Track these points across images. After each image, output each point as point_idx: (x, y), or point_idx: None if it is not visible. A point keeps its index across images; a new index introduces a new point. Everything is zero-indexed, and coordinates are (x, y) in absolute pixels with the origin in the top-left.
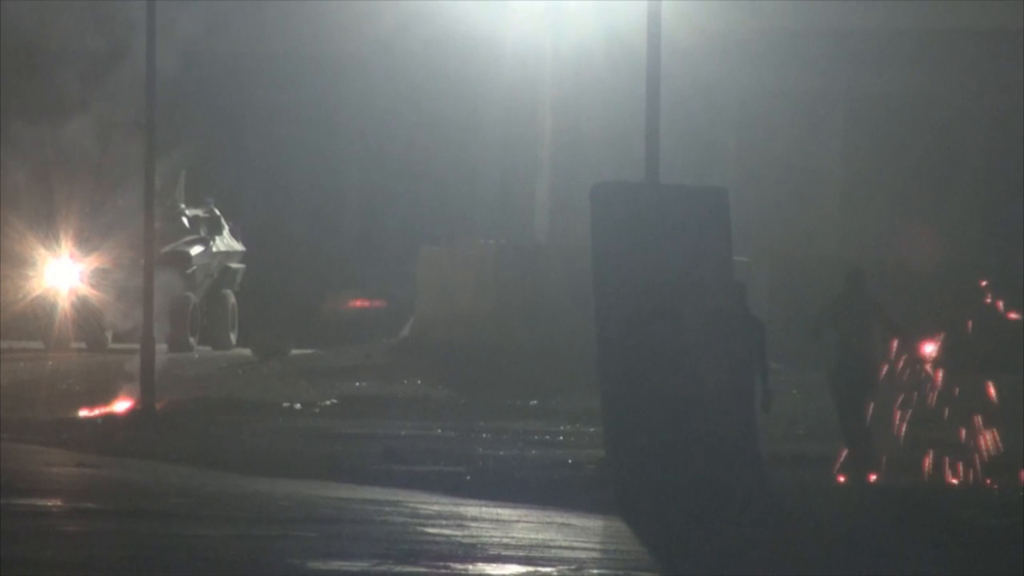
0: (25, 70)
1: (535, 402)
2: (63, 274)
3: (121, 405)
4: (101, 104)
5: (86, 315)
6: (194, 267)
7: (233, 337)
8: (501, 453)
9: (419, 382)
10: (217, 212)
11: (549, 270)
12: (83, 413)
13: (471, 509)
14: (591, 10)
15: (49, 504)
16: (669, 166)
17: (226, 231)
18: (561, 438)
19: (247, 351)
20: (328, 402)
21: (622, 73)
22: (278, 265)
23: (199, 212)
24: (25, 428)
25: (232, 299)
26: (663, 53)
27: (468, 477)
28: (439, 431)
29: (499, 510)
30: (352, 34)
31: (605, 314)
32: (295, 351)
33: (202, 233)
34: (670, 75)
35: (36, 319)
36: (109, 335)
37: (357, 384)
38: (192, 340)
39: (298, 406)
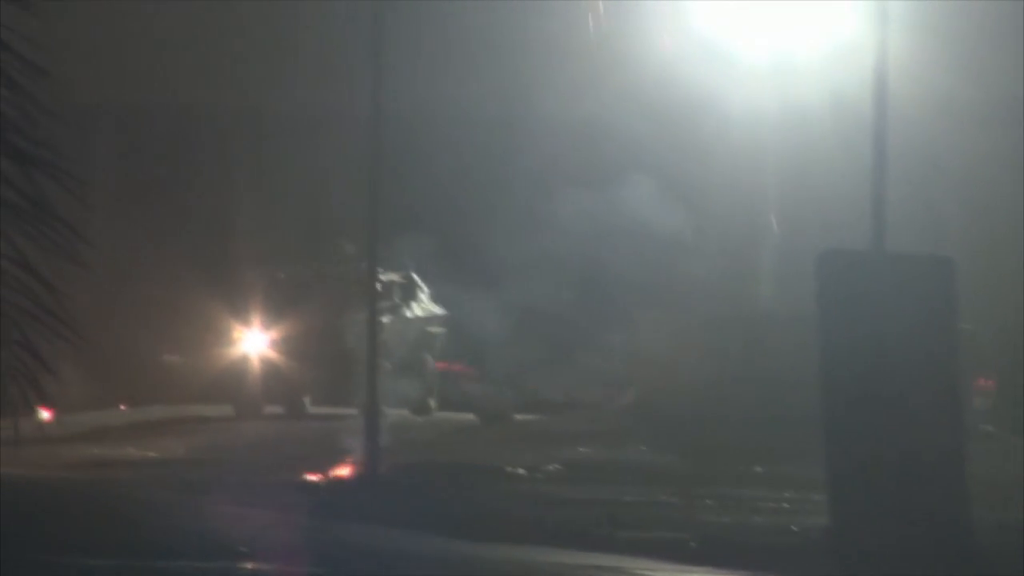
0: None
1: (759, 469)
2: (251, 341)
3: (343, 469)
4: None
5: (279, 382)
6: (384, 334)
7: (432, 402)
8: (725, 520)
9: (643, 448)
10: (415, 277)
11: (773, 337)
12: (303, 477)
13: None
14: (816, 73)
15: (270, 568)
16: (895, 232)
17: (424, 296)
18: (786, 505)
19: (471, 416)
20: (552, 467)
21: (847, 137)
22: (493, 328)
23: (395, 277)
24: (245, 491)
25: (431, 364)
26: (889, 117)
27: (692, 543)
28: (663, 497)
29: None
30: (575, 98)
31: (831, 382)
32: (518, 416)
33: (395, 299)
34: (896, 139)
35: (226, 385)
36: (307, 401)
37: (581, 450)
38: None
39: (521, 471)
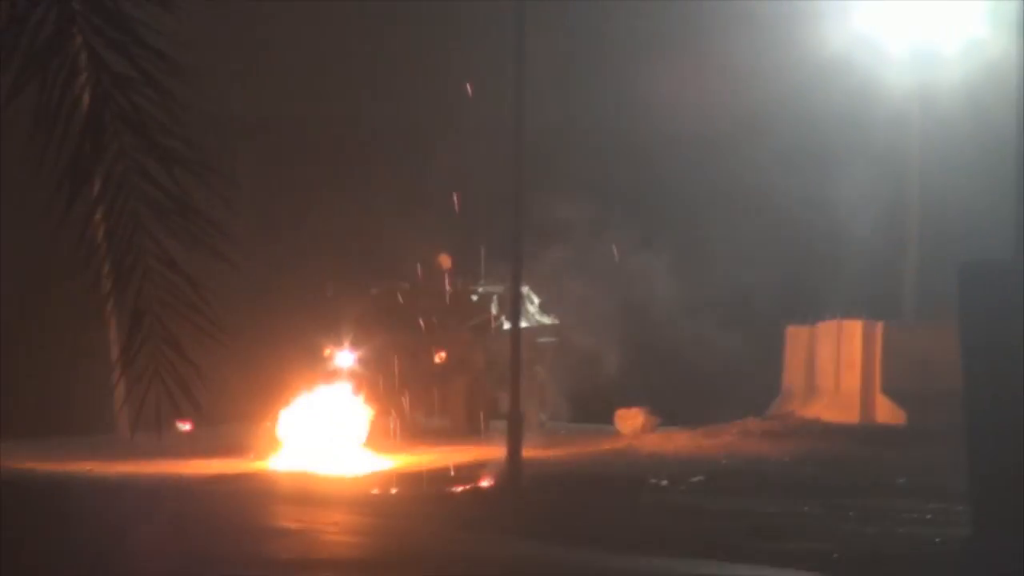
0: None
1: (903, 480)
2: (343, 360)
3: (484, 481)
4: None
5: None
6: (476, 347)
7: (543, 415)
8: (868, 531)
9: (787, 459)
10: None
11: (915, 347)
12: (444, 488)
13: None
14: (958, 87)
15: None
16: None
17: (532, 307)
18: (929, 516)
19: (614, 426)
20: (695, 478)
21: (989, 150)
22: (630, 341)
23: (495, 290)
24: (384, 503)
25: (541, 375)
26: None
27: (836, 555)
28: (806, 508)
29: None
30: (717, 116)
31: (973, 393)
32: (661, 426)
33: (493, 312)
34: None
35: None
36: (420, 415)
37: (724, 460)
38: (481, 423)
39: (664, 482)
